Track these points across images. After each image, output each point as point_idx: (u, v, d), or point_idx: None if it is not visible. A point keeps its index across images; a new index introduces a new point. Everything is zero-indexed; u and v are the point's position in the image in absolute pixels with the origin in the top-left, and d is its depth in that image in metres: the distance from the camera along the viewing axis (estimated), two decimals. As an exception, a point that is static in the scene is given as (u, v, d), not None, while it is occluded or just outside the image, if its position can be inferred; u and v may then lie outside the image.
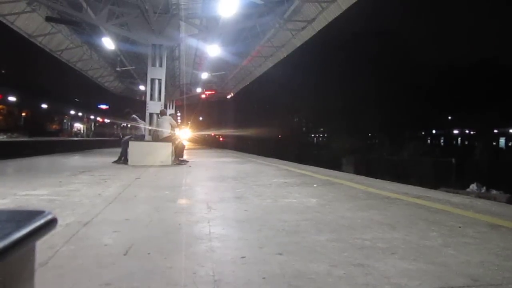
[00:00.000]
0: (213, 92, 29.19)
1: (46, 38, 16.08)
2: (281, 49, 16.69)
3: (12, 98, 45.53)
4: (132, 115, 10.14)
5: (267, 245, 2.43)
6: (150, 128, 10.07)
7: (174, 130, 10.09)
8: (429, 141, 45.84)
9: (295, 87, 43.59)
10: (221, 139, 47.56)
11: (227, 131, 42.81)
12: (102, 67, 23.14)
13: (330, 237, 2.65)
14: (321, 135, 53.82)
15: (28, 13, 13.44)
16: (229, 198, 4.34)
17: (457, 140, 49.95)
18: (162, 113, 10.27)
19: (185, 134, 34.86)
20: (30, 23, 14.33)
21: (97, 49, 18.97)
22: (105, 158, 10.91)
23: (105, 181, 5.68)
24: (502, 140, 44.23)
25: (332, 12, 11.99)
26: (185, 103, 24.72)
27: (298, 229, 2.88)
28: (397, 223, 3.07)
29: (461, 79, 36.64)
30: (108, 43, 14.20)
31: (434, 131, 49.08)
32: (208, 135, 47.25)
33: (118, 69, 22.03)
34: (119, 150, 9.84)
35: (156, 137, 9.82)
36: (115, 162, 9.37)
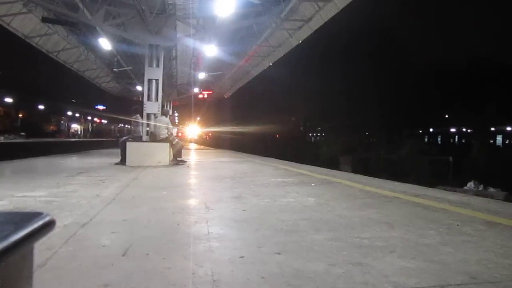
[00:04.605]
0: (210, 92, 29.20)
1: (42, 39, 16.03)
2: (278, 49, 16.71)
3: (8, 100, 45.42)
4: (136, 114, 10.09)
5: (266, 244, 2.43)
6: (148, 128, 10.04)
7: (171, 131, 10.07)
8: (426, 139, 45.98)
9: (293, 86, 43.71)
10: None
11: (222, 130, 42.71)
12: (99, 68, 23.09)
13: (328, 236, 2.65)
14: (319, 134, 53.91)
15: (24, 14, 13.40)
16: (227, 198, 4.34)
17: (454, 138, 50.17)
18: (163, 112, 10.26)
19: (191, 133, 34.87)
20: (26, 24, 14.28)
21: (94, 50, 18.95)
22: (103, 159, 10.88)
23: (103, 182, 5.67)
24: (499, 138, 44.47)
25: (329, 12, 12.02)
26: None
27: (296, 228, 2.88)
28: (395, 222, 3.08)
29: (458, 78, 36.78)
30: (104, 43, 14.18)
31: (431, 130, 49.28)
32: (206, 134, 47.29)
33: (115, 69, 22.02)
34: (116, 151, 9.80)
35: (154, 138, 9.80)
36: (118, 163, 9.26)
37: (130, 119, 10.23)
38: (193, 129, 37.99)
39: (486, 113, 33.55)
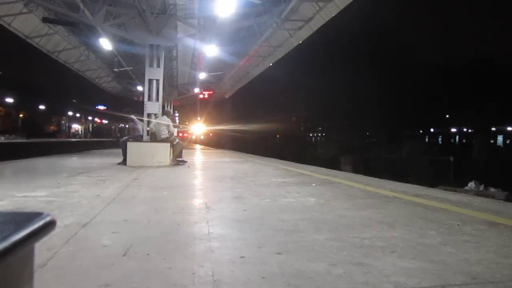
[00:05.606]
0: (211, 92, 29.23)
1: (43, 39, 16.04)
2: (278, 49, 16.71)
3: (9, 100, 45.49)
4: (130, 115, 10.09)
5: (266, 244, 2.43)
6: (148, 128, 10.03)
7: (172, 131, 10.06)
8: (427, 139, 45.93)
9: (293, 86, 43.72)
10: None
11: (223, 130, 42.71)
12: (100, 68, 23.12)
13: (329, 236, 2.64)
14: (320, 134, 53.88)
15: (25, 14, 13.41)
16: (228, 198, 4.34)
17: (455, 138, 50.13)
18: (164, 113, 10.26)
19: (198, 131, 34.99)
20: (27, 24, 14.30)
21: (95, 50, 18.97)
22: (104, 159, 10.88)
23: (104, 182, 5.67)
24: (499, 138, 44.43)
25: (329, 12, 12.01)
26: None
27: (297, 228, 2.88)
28: (395, 222, 3.08)
29: (459, 78, 36.75)
30: (105, 43, 14.18)
31: (432, 130, 49.23)
32: (207, 133, 47.31)
33: (115, 69, 22.05)
34: (117, 151, 9.80)
35: (154, 138, 9.80)
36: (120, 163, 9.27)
37: (130, 116, 10.23)
38: (195, 129, 38.02)
39: (487, 113, 33.51)
